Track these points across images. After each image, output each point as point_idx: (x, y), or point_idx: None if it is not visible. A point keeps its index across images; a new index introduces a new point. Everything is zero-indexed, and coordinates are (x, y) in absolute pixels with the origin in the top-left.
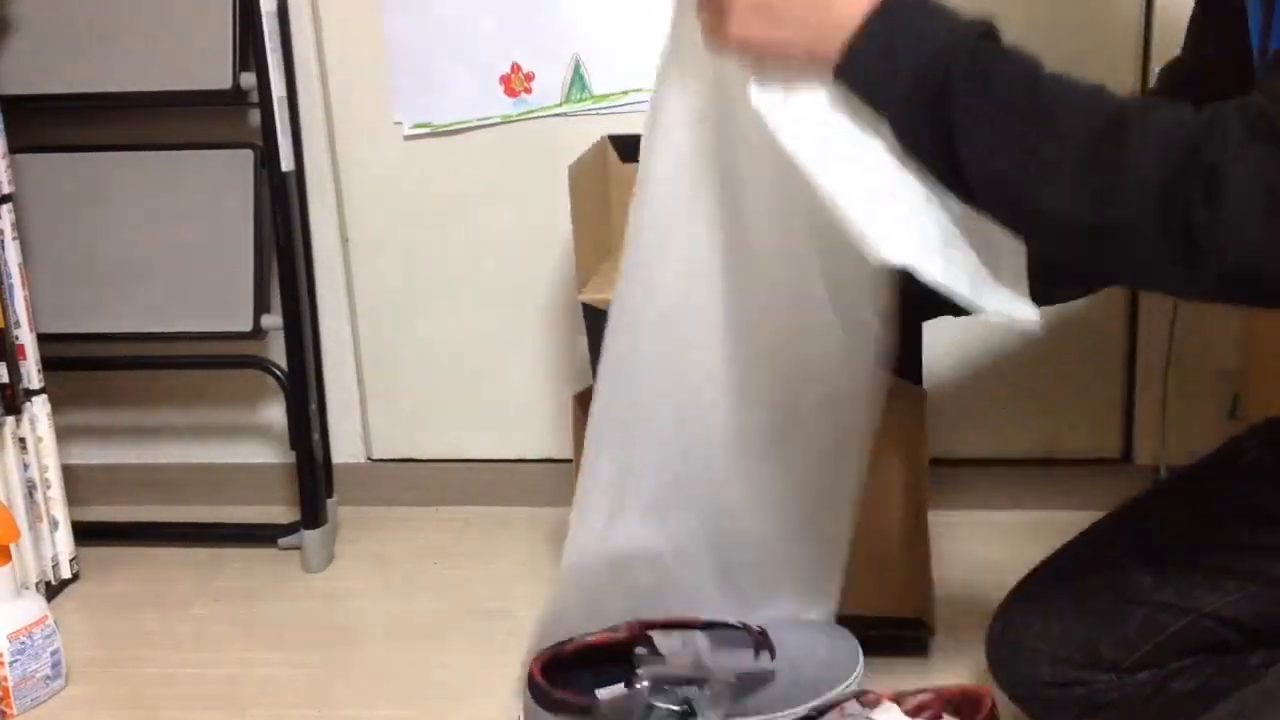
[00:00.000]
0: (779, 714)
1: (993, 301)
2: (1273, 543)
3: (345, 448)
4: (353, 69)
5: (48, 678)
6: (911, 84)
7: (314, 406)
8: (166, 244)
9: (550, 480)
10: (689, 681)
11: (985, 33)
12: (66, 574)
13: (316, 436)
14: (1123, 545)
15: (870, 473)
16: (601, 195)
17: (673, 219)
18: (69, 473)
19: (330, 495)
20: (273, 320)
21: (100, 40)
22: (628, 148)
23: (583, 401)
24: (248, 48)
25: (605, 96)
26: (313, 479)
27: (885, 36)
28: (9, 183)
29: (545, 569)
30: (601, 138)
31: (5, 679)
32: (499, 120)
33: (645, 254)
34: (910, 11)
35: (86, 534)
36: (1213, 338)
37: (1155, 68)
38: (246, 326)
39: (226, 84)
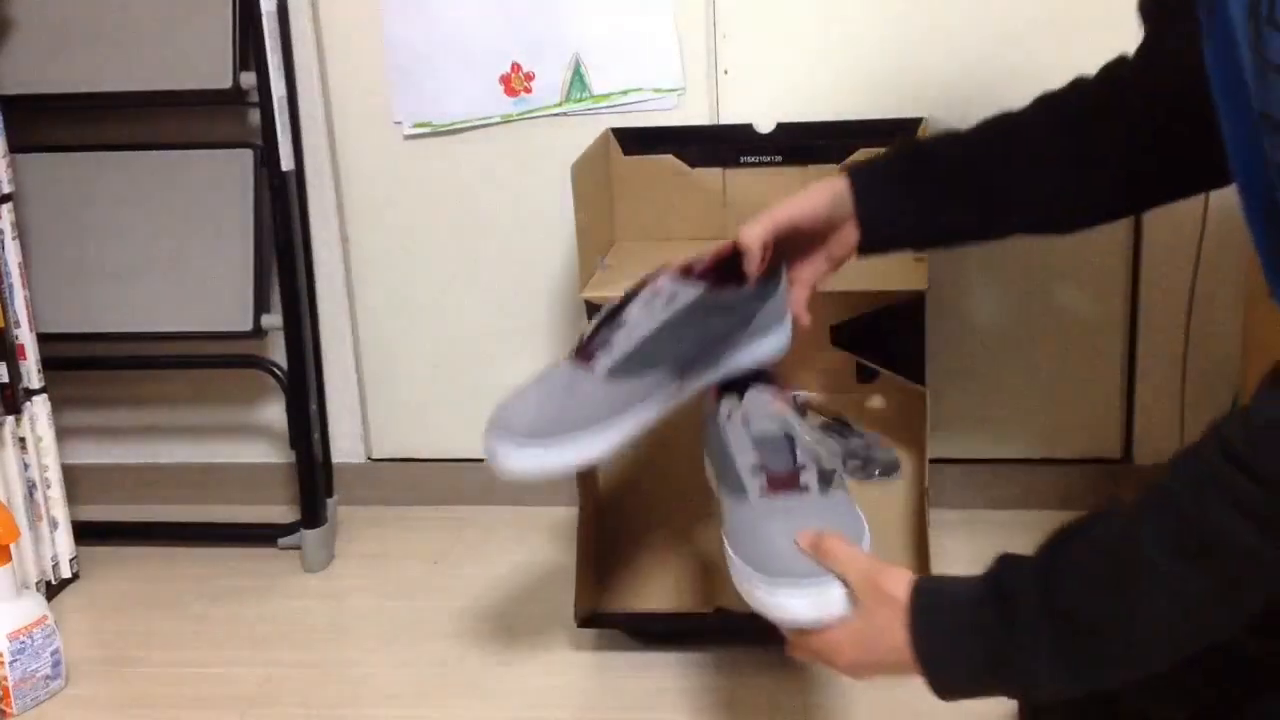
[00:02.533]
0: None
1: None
2: None
3: (345, 448)
4: (353, 69)
5: (48, 677)
6: (1004, 673)
7: (314, 406)
8: (166, 244)
9: (550, 480)
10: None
11: (999, 586)
12: (66, 574)
13: (316, 436)
14: None
15: None
16: (604, 190)
17: None
18: (69, 473)
19: (330, 495)
20: (273, 320)
21: (100, 40)
22: (630, 140)
23: None
24: (248, 48)
25: (605, 96)
26: (313, 479)
27: (945, 663)
28: (9, 183)
29: (545, 569)
30: (604, 130)
31: (5, 679)
32: (499, 120)
33: None
34: (937, 619)
35: (86, 534)
36: (1213, 338)
37: None
38: (246, 326)
39: (226, 84)
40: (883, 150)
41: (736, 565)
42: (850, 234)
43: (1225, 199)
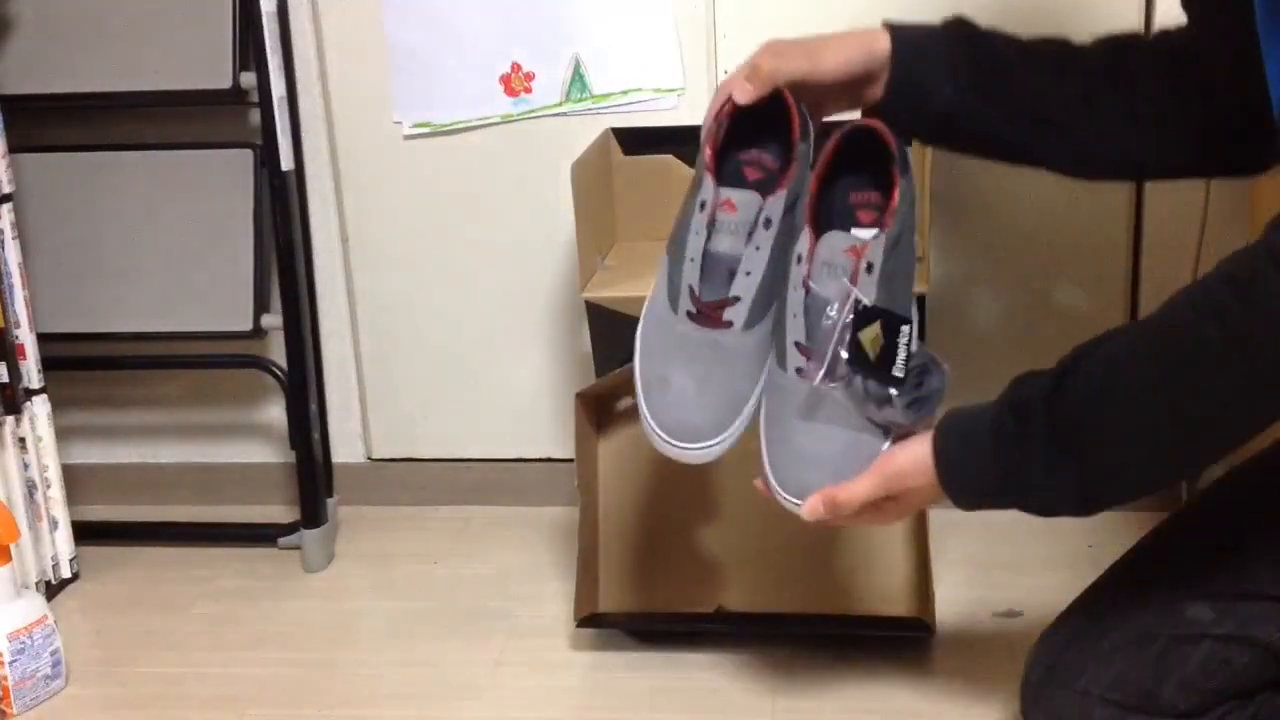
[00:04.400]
0: None
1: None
2: None
3: (345, 448)
4: (353, 69)
5: (48, 677)
6: (1025, 487)
7: (314, 406)
8: (166, 244)
9: (550, 480)
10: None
11: (1015, 398)
12: (66, 574)
13: (316, 436)
14: (1172, 573)
15: None
16: (604, 190)
17: None
18: (69, 473)
19: (330, 495)
20: (273, 320)
21: (100, 40)
22: (630, 140)
23: (585, 400)
24: (248, 48)
25: (605, 96)
26: (313, 479)
27: (965, 491)
28: (9, 183)
29: (545, 569)
30: (604, 130)
31: (5, 679)
32: (499, 120)
33: None
34: (959, 451)
35: (86, 534)
36: None
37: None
38: (246, 326)
39: (226, 84)
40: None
41: (762, 452)
42: (869, 95)
43: (1226, 199)
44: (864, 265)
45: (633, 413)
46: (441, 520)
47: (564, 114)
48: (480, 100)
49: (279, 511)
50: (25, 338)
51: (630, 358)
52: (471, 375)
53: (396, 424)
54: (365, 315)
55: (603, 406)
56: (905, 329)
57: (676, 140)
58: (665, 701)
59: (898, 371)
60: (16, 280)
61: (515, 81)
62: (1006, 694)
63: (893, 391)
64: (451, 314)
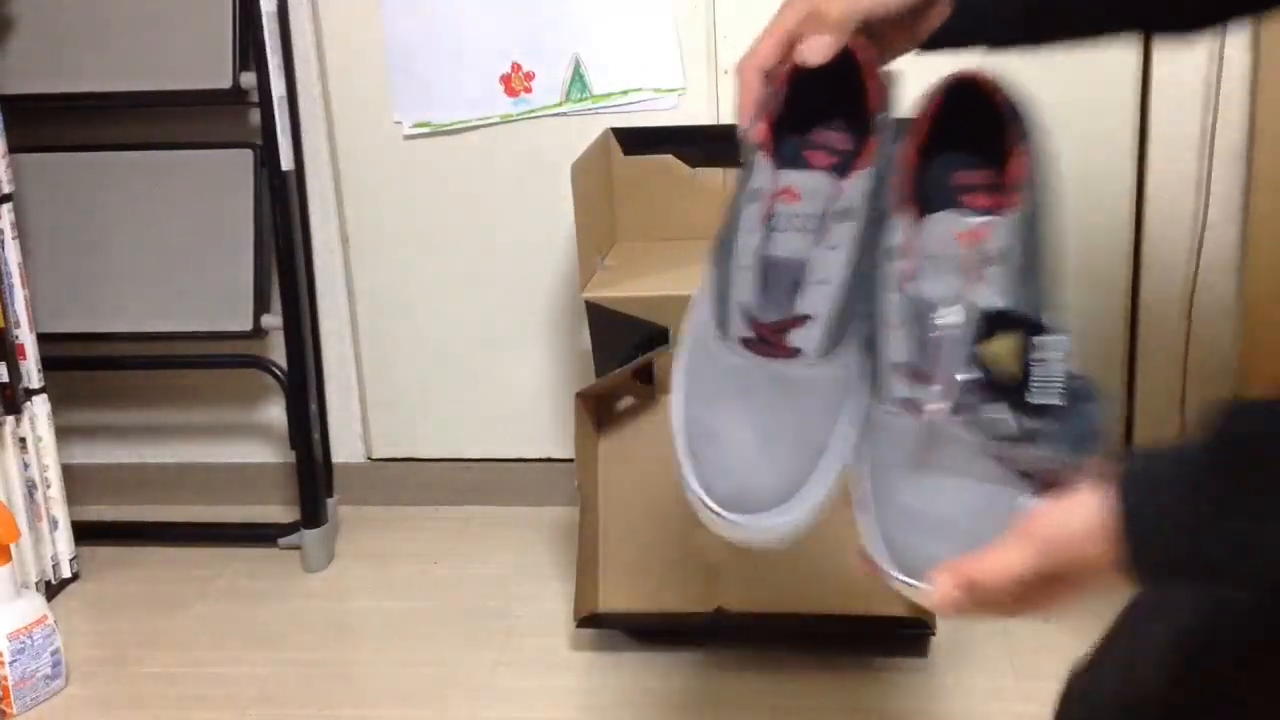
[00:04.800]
0: None
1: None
2: None
3: (345, 448)
4: (353, 69)
5: (48, 677)
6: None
7: (314, 406)
8: (166, 244)
9: (550, 480)
10: None
11: (1231, 432)
12: (66, 573)
13: (316, 436)
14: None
15: None
16: (604, 190)
17: None
18: (69, 473)
19: (330, 495)
20: (273, 320)
21: (101, 40)
22: (630, 140)
23: (585, 400)
24: (248, 48)
25: (605, 96)
26: (313, 479)
27: (1161, 558)
28: (9, 183)
29: (545, 569)
30: (604, 130)
31: (5, 678)
32: (499, 120)
33: None
34: (1146, 500)
35: (86, 534)
36: (1213, 338)
37: None
38: (246, 326)
39: (226, 84)
40: None
41: (865, 515)
42: (929, 24)
43: (1224, 199)
44: (986, 256)
45: (633, 413)
46: (441, 520)
47: (564, 114)
48: (480, 100)
49: (279, 511)
50: (25, 338)
51: (631, 358)
52: (471, 375)
53: (396, 424)
54: (365, 315)
55: (603, 406)
56: (1051, 341)
57: (676, 140)
58: (665, 701)
59: (1045, 398)
60: (16, 280)
61: (515, 81)
62: (1006, 693)
63: (1040, 425)
64: (451, 314)
